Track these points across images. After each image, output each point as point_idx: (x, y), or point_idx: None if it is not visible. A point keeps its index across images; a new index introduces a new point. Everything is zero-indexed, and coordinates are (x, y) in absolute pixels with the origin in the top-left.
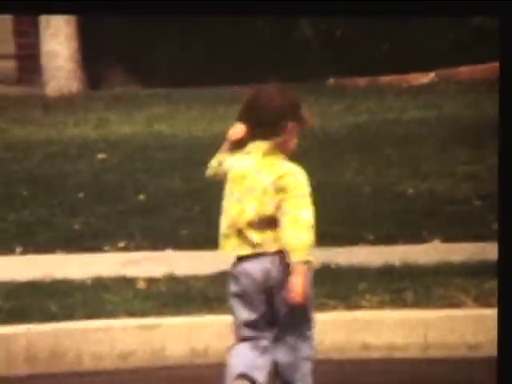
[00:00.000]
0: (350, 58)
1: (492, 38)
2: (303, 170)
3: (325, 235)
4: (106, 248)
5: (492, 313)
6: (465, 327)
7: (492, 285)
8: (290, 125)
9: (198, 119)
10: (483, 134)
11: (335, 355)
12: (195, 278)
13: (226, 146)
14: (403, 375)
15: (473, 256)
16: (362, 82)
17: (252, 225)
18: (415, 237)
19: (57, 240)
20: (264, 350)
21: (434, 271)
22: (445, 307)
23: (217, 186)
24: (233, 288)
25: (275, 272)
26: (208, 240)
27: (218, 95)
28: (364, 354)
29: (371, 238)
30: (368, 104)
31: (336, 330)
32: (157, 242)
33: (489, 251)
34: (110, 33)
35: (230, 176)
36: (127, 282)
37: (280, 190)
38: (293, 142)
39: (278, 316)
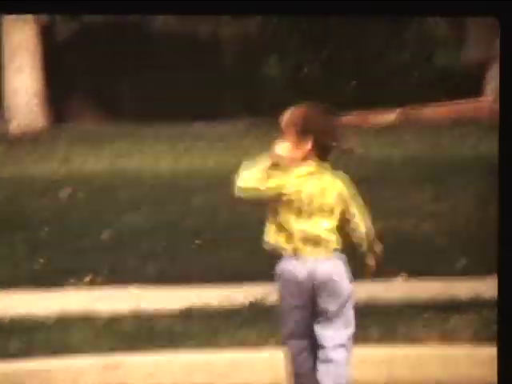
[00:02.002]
0: (315, 95)
1: (455, 78)
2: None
3: None
4: (70, 284)
5: (456, 349)
6: (429, 364)
7: (456, 321)
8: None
9: (164, 155)
10: (446, 172)
11: None
12: (161, 314)
13: (266, 163)
14: None
15: (438, 293)
16: None
17: (328, 232)
18: (380, 274)
19: (20, 276)
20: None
21: (399, 308)
22: (409, 344)
23: (183, 223)
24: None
25: (322, 269)
26: (174, 276)
27: (183, 131)
28: None
29: None
30: None
31: None
32: (122, 278)
33: (453, 288)
34: (75, 69)
35: (295, 197)
36: (92, 319)
37: (344, 199)
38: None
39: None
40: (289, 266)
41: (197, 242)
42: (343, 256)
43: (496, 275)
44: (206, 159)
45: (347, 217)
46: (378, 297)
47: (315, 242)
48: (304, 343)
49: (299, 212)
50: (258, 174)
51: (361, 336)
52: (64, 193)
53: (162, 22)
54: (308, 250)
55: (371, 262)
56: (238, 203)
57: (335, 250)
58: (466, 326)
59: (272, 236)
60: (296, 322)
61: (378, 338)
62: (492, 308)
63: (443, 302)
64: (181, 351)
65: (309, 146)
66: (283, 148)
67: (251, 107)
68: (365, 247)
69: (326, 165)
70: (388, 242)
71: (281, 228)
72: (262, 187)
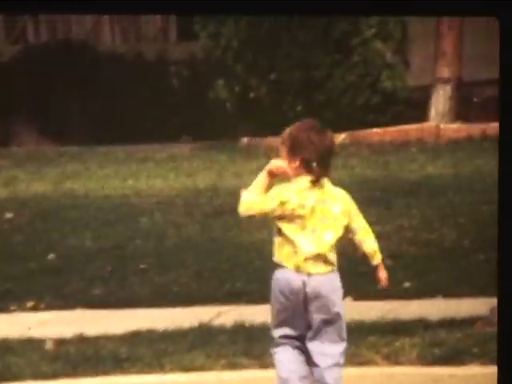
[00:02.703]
0: (264, 118)
1: (401, 102)
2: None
3: (240, 294)
4: (12, 308)
5: (402, 370)
6: (379, 382)
7: (403, 343)
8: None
9: (111, 177)
10: (393, 194)
11: None
12: (106, 337)
13: (263, 180)
14: None
15: (384, 314)
16: (275, 141)
17: (330, 248)
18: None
19: None
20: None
21: (347, 329)
22: (356, 365)
23: (130, 245)
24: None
25: (315, 281)
26: (120, 299)
27: (130, 153)
28: None
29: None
30: None
31: None
32: (67, 301)
33: (400, 310)
34: (19, 91)
35: (297, 212)
36: (35, 344)
37: (347, 212)
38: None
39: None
40: (285, 275)
41: (144, 264)
42: (337, 272)
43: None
44: (153, 181)
45: (353, 228)
46: None
47: (317, 259)
48: (295, 351)
49: (303, 227)
50: (256, 193)
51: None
52: (6, 216)
53: (108, 44)
54: (309, 266)
55: (383, 274)
56: (185, 225)
57: (333, 266)
58: (411, 347)
59: (276, 253)
60: (288, 325)
61: None
62: (436, 329)
63: (390, 323)
64: (126, 375)
65: (297, 163)
66: (277, 163)
67: (198, 130)
68: (377, 259)
69: (325, 180)
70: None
71: (284, 245)
72: (267, 208)
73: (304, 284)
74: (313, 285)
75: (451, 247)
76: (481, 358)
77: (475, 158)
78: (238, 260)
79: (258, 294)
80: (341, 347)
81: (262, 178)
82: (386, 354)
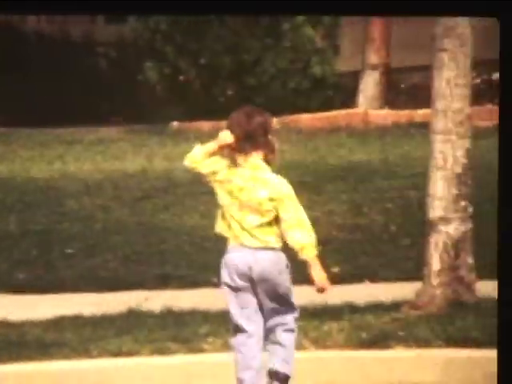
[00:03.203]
0: (194, 102)
1: (330, 87)
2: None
3: (168, 278)
4: None
5: (329, 354)
6: (304, 369)
7: (330, 327)
8: (273, 140)
9: (36, 160)
10: (322, 180)
11: None
12: (31, 323)
13: (212, 146)
14: None
15: (313, 299)
16: (205, 126)
17: (256, 228)
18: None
19: None
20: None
21: None
22: None
23: (57, 229)
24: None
25: (260, 266)
26: (45, 284)
27: (57, 136)
28: None
29: (215, 280)
30: None
31: (178, 374)
32: None
33: (328, 294)
34: None
35: (227, 187)
36: None
37: (274, 200)
38: (276, 156)
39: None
40: (232, 257)
41: (70, 248)
42: (282, 254)
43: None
44: (81, 164)
45: (280, 218)
46: None
47: (249, 233)
48: (250, 333)
49: (232, 203)
50: (202, 153)
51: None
52: None
53: (34, 24)
54: (245, 238)
55: (316, 274)
56: (114, 208)
57: (272, 246)
58: (338, 331)
59: (217, 224)
60: (240, 309)
61: None
62: (363, 313)
63: (318, 307)
64: (52, 361)
65: (232, 142)
66: (224, 136)
67: (127, 113)
68: (304, 254)
69: (260, 164)
70: None
71: (223, 216)
72: (199, 166)
73: (249, 267)
74: (255, 268)
75: (379, 232)
76: (406, 341)
77: (402, 144)
78: (166, 244)
79: (187, 278)
80: (293, 316)
81: (212, 144)
82: (314, 338)
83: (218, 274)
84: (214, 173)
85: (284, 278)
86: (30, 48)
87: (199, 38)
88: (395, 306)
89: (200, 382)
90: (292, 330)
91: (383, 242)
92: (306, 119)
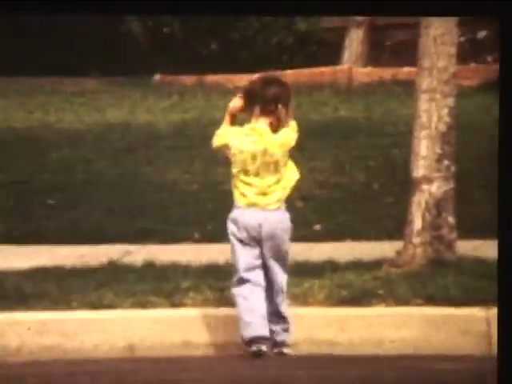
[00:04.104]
0: (177, 55)
1: (314, 44)
2: (295, 126)
3: (149, 232)
4: None
5: (310, 311)
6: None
7: (311, 284)
8: (282, 111)
9: (16, 110)
10: (305, 136)
11: (153, 353)
12: (10, 272)
13: (227, 119)
14: (224, 372)
15: (295, 256)
16: (188, 79)
17: (273, 185)
18: None
19: None
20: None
21: None
22: None
23: (37, 180)
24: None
25: (269, 224)
26: (24, 234)
27: (36, 85)
28: (185, 352)
29: (197, 236)
30: (195, 102)
31: (158, 328)
32: None
33: (310, 251)
34: None
35: (240, 158)
36: None
37: (286, 152)
38: (282, 124)
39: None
40: (241, 216)
41: (51, 199)
42: (288, 214)
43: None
44: (62, 115)
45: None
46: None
47: (264, 194)
48: (255, 282)
49: (246, 171)
50: (222, 130)
51: (218, 298)
52: None
53: None
54: (259, 202)
55: None
56: (95, 160)
57: (281, 202)
58: (319, 289)
59: (234, 192)
60: (248, 261)
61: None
62: (344, 271)
63: (300, 264)
64: (32, 311)
65: (245, 109)
66: (233, 102)
67: (109, 65)
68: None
69: (267, 128)
70: None
71: (236, 185)
72: (215, 146)
73: (259, 225)
74: (265, 226)
75: (361, 190)
76: (387, 299)
77: (387, 102)
78: (148, 198)
79: (169, 233)
80: (286, 276)
81: (226, 116)
82: (295, 294)
83: (199, 228)
84: (226, 146)
85: (287, 238)
86: None
87: None
88: (376, 264)
89: (181, 336)
90: (283, 291)
91: (365, 200)
92: (289, 75)
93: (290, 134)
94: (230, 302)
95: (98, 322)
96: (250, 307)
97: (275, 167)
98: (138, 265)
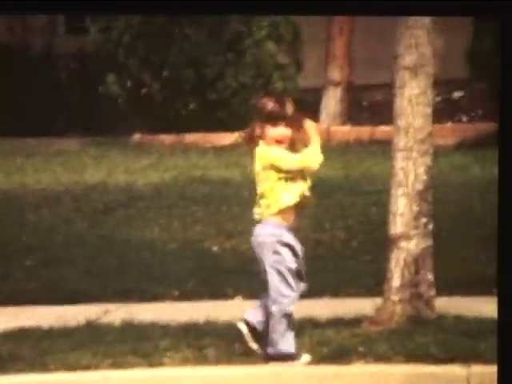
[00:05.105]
0: (156, 115)
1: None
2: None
3: (129, 291)
4: None
5: (289, 369)
6: (265, 382)
7: (296, 340)
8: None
9: None
10: None
11: None
12: None
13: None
14: None
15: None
16: (167, 139)
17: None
18: (219, 294)
19: None
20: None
21: (237, 328)
22: (244, 364)
23: (16, 240)
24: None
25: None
26: (2, 295)
27: (16, 147)
28: None
29: (176, 294)
30: (174, 161)
31: None
32: None
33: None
34: None
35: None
36: None
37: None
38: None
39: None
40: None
41: (30, 260)
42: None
43: None
44: (40, 175)
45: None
46: (217, 317)
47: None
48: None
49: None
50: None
51: (197, 356)
52: None
53: None
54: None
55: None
56: (74, 221)
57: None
58: (299, 346)
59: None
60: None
61: (215, 358)
62: (324, 328)
63: None
64: (8, 375)
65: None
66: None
67: (88, 125)
68: None
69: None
70: (227, 263)
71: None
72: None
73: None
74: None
75: (341, 248)
76: (367, 357)
77: (364, 161)
78: (127, 257)
79: (148, 292)
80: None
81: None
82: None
83: (178, 287)
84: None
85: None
86: None
87: (162, 51)
88: (356, 321)
89: None
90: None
91: (345, 258)
92: None
93: (269, 151)
94: (209, 361)
95: (76, 383)
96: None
97: (257, 179)
98: (116, 325)
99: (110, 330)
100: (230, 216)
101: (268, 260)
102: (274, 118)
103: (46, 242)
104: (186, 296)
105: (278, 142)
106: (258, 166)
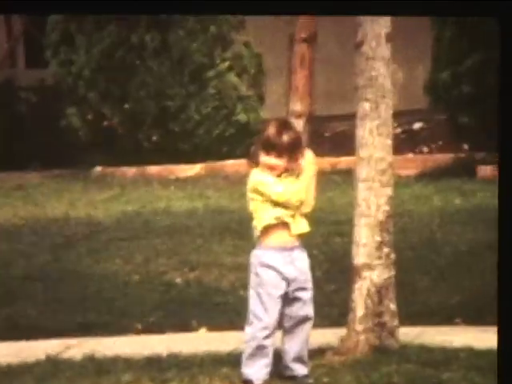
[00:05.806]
0: (118, 147)
1: (256, 134)
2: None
3: (91, 325)
4: None
5: None
6: None
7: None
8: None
9: None
10: (248, 226)
11: None
12: None
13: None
14: None
15: (239, 345)
16: (129, 171)
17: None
18: (183, 326)
19: None
20: None
21: (201, 361)
22: None
23: None
24: None
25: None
26: None
27: None
28: None
29: (139, 327)
30: (136, 193)
31: None
32: None
33: None
34: None
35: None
36: None
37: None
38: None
39: None
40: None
41: None
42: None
43: None
44: (0, 210)
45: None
46: (181, 349)
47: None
48: None
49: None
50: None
51: None
52: None
53: None
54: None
55: None
56: (34, 255)
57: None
58: None
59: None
60: None
61: None
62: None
63: (240, 355)
64: None
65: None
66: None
67: (48, 158)
68: None
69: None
70: (191, 295)
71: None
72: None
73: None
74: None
75: None
76: None
77: (326, 191)
78: (89, 291)
79: (110, 325)
80: None
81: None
82: None
83: (141, 320)
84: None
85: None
86: None
87: (123, 83)
88: (320, 351)
89: None
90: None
91: None
92: (231, 165)
93: (256, 174)
94: None
95: None
96: None
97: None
98: (77, 359)
99: (70, 365)
100: (194, 248)
101: (250, 281)
102: (267, 146)
103: (5, 277)
104: (149, 329)
105: (270, 168)
106: (247, 187)
